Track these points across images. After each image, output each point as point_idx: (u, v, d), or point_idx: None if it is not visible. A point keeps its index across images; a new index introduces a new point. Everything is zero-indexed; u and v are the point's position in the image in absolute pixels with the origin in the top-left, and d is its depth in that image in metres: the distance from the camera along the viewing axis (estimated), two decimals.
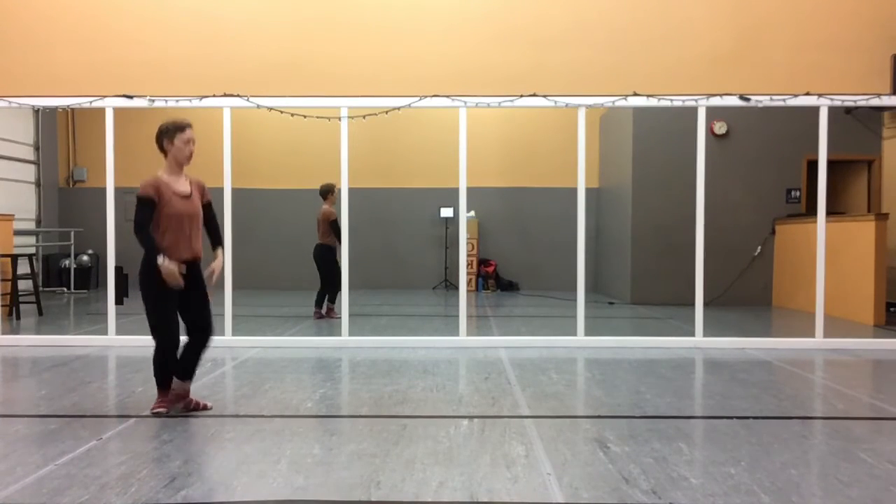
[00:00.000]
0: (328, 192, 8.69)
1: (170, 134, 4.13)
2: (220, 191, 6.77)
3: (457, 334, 6.78)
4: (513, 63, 6.73)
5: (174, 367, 4.15)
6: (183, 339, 4.18)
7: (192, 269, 4.18)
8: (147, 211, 4.00)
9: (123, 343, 6.57)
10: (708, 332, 6.84)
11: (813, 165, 8.00)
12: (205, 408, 4.23)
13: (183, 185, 4.17)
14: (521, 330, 7.79)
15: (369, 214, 12.31)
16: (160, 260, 3.95)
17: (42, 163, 12.38)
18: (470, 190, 7.05)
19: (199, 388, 4.81)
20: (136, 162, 13.68)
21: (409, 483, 3.01)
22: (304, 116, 6.89)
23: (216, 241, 4.46)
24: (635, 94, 6.61)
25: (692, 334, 6.79)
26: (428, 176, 12.79)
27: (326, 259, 8.60)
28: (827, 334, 6.73)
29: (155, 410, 4.11)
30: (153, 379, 5.01)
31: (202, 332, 4.20)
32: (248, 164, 11.60)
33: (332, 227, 8.51)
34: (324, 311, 8.64)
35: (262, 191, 12.68)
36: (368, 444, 3.56)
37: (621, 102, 6.67)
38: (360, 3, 6.85)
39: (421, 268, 12.97)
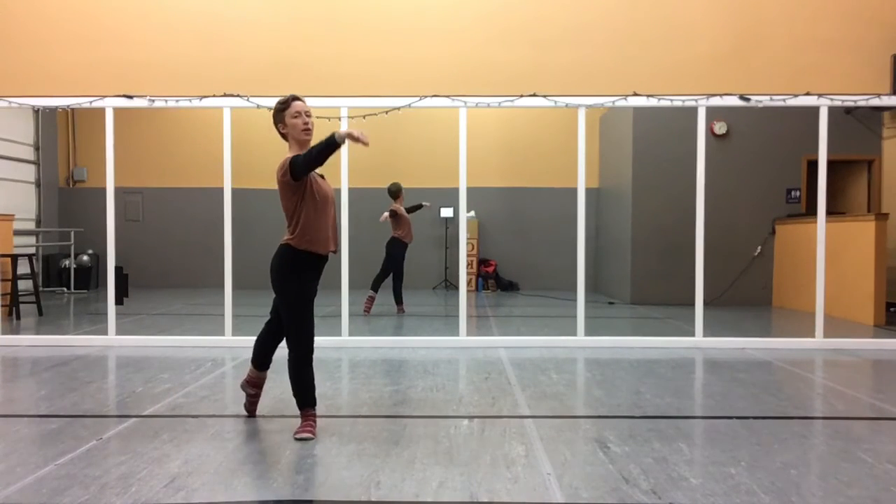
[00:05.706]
0: (398, 192, 9.18)
1: (278, 115, 3.67)
2: (220, 191, 6.78)
3: (457, 334, 6.78)
4: (513, 63, 6.74)
5: (309, 373, 3.66)
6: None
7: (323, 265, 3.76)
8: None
9: (123, 343, 6.57)
10: (708, 332, 6.84)
11: (813, 165, 8.02)
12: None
13: None
14: (521, 330, 7.79)
15: (369, 214, 12.27)
16: (340, 133, 3.38)
17: (42, 163, 12.37)
18: (470, 190, 7.06)
19: (198, 388, 4.81)
20: (136, 162, 13.75)
21: (409, 483, 3.01)
22: None
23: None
24: (635, 94, 6.61)
25: (692, 334, 6.79)
26: (428, 176, 12.78)
27: (390, 253, 9.11)
28: (827, 334, 6.73)
29: (300, 436, 3.58)
30: (155, 378, 5.08)
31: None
32: (249, 164, 11.58)
33: (396, 217, 9.03)
34: (403, 305, 9.13)
35: (262, 191, 12.63)
36: (368, 444, 3.56)
37: (621, 102, 6.67)
38: (360, 3, 6.85)
39: (421, 268, 12.96)
